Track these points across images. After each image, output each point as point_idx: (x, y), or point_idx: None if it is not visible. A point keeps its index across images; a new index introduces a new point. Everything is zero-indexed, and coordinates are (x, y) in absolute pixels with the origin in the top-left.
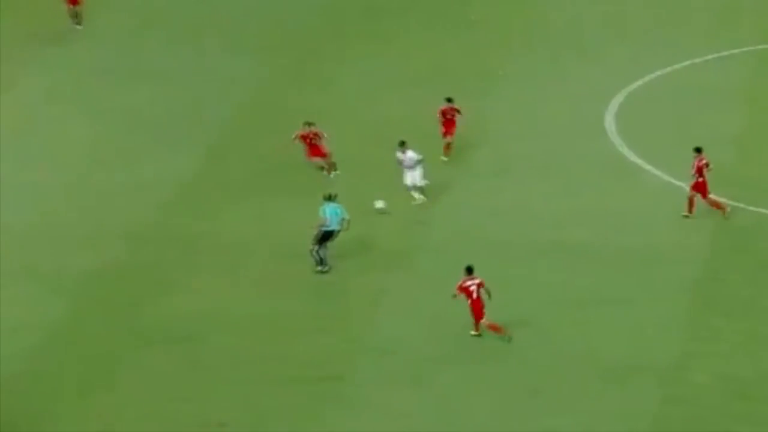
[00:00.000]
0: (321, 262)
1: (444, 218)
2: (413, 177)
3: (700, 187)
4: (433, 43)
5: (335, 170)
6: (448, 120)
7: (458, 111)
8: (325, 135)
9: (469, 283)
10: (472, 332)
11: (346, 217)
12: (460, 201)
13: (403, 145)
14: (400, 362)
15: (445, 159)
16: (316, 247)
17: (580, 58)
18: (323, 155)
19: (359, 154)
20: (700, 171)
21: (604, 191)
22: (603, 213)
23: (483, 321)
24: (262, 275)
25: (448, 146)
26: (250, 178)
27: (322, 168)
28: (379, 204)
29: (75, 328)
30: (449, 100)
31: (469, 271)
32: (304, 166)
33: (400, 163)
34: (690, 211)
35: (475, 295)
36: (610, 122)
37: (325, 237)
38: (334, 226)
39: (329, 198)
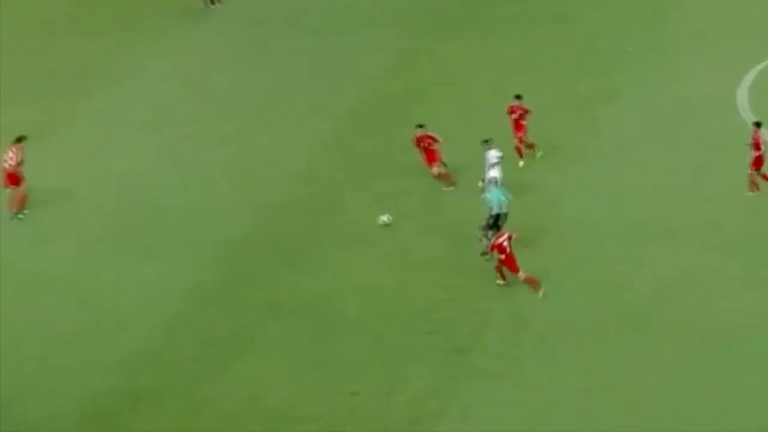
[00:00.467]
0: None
1: (571, 198)
2: (489, 178)
3: (758, 162)
4: (561, 21)
5: (451, 184)
6: (515, 121)
7: (527, 111)
8: (439, 139)
9: (501, 239)
10: (499, 281)
11: (510, 197)
12: (586, 181)
13: (487, 142)
14: (529, 335)
15: (521, 164)
16: (487, 233)
17: (712, 34)
18: (437, 161)
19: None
20: (757, 146)
21: (736, 168)
22: (735, 191)
23: (520, 274)
24: (391, 249)
25: (518, 149)
26: (381, 154)
27: (437, 177)
28: (384, 218)
29: (213, 298)
30: (518, 97)
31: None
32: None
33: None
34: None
35: (508, 250)
36: (742, 98)
37: (495, 222)
38: (497, 210)
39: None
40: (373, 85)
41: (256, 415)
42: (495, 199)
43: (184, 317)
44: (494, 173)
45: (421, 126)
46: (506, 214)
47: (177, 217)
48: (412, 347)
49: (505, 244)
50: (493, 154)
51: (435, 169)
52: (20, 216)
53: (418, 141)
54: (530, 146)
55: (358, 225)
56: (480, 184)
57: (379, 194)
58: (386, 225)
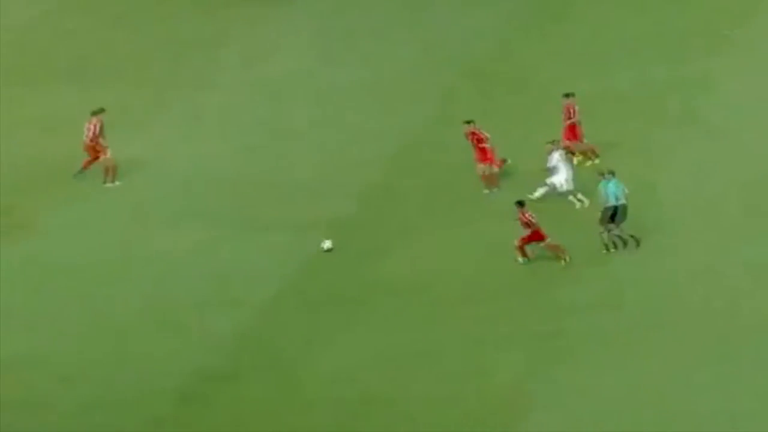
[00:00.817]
0: (612, 245)
1: (669, 181)
2: (562, 180)
3: None
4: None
5: (494, 187)
6: (567, 120)
7: (572, 111)
8: (488, 136)
9: (528, 215)
10: (519, 259)
11: (626, 190)
12: (685, 162)
13: (554, 143)
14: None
15: (595, 161)
16: (607, 228)
17: None
18: (489, 161)
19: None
20: None
21: None
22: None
23: (545, 242)
24: (489, 233)
25: (583, 154)
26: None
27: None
28: (326, 244)
29: (311, 277)
30: (569, 95)
31: (521, 204)
32: (534, 130)
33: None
34: None
35: (534, 226)
36: None
37: (612, 215)
38: (613, 202)
39: (606, 174)
40: (471, 68)
41: (353, 395)
42: (611, 192)
43: (286, 297)
44: (563, 175)
45: (469, 122)
46: (625, 207)
47: (279, 196)
48: (508, 331)
49: (534, 220)
50: (556, 158)
51: (480, 167)
52: (109, 185)
53: (468, 137)
54: (575, 152)
55: (454, 209)
56: (326, 246)
57: (473, 178)
58: (328, 250)
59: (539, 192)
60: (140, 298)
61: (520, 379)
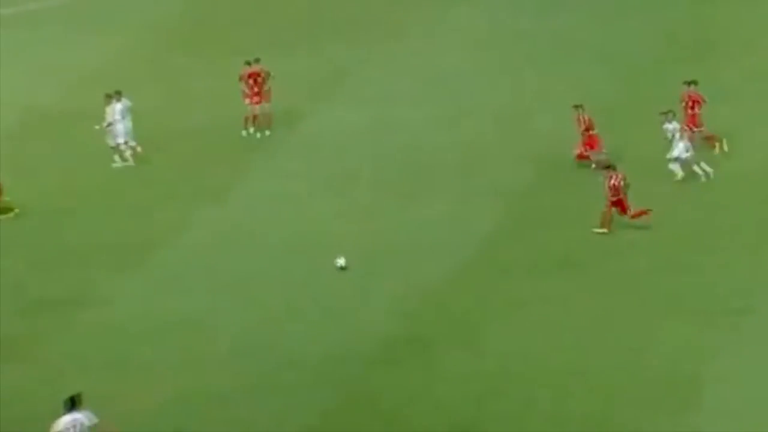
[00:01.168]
0: None
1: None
2: (679, 149)
3: None
4: None
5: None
6: (689, 110)
7: (700, 100)
8: (585, 119)
9: (614, 180)
10: (596, 230)
11: None
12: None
13: (666, 114)
14: None
15: (717, 152)
16: None
17: None
18: (593, 148)
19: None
20: None
21: None
22: None
23: (628, 214)
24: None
25: (710, 139)
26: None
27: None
28: (340, 261)
29: (495, 248)
30: (690, 83)
31: (609, 168)
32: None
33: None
34: None
35: (621, 194)
36: None
37: None
38: None
39: None
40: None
41: (525, 366)
42: None
43: (465, 264)
44: (680, 149)
45: (578, 106)
46: None
47: (453, 165)
48: (693, 305)
49: (620, 185)
50: (671, 129)
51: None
52: (243, 133)
53: (579, 122)
54: (709, 139)
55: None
56: (341, 263)
57: (652, 150)
58: (343, 268)
59: (677, 171)
60: (324, 262)
61: (702, 354)
